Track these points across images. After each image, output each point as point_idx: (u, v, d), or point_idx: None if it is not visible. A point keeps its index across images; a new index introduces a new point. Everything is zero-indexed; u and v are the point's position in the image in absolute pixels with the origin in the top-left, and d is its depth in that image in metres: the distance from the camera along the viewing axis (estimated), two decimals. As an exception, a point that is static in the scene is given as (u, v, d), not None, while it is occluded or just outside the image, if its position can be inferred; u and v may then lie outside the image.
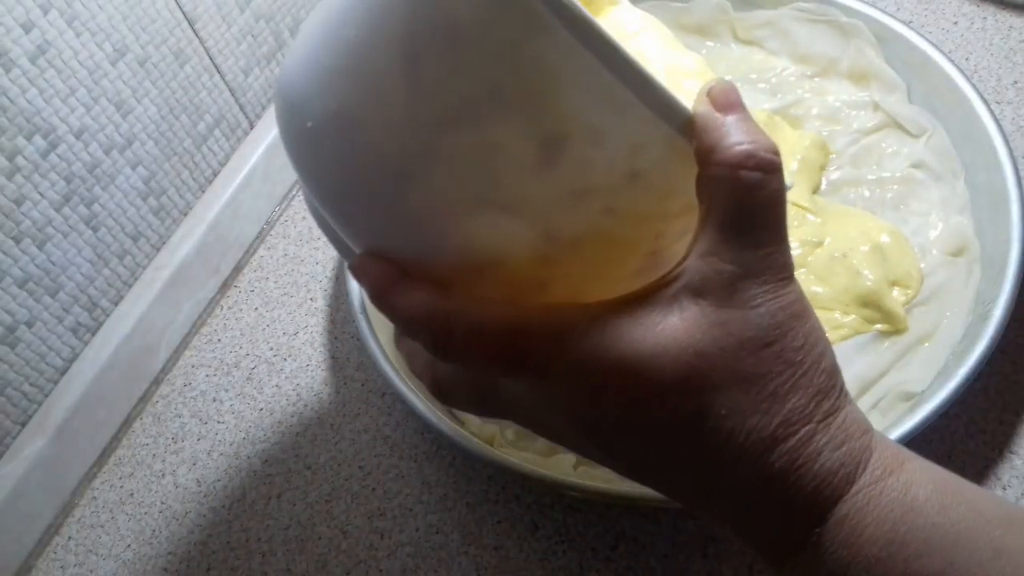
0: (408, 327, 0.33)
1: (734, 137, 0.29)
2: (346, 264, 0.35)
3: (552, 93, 0.28)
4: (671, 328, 0.29)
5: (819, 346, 0.30)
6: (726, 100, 0.30)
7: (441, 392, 0.36)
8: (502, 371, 0.32)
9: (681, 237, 0.32)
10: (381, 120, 0.30)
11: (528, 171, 0.29)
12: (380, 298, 0.33)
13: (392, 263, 0.33)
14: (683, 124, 0.29)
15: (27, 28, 0.53)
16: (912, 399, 0.53)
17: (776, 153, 0.29)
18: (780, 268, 0.30)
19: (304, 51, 0.33)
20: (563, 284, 0.32)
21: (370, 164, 0.31)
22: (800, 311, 0.30)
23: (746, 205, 0.29)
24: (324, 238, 0.72)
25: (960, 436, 0.55)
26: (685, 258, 0.31)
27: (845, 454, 0.30)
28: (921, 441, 0.50)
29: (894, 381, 0.55)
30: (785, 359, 0.29)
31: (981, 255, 0.58)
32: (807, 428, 0.30)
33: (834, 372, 0.31)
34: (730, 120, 0.29)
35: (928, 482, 0.30)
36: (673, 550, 0.54)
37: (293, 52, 0.34)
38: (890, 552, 0.29)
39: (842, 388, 0.31)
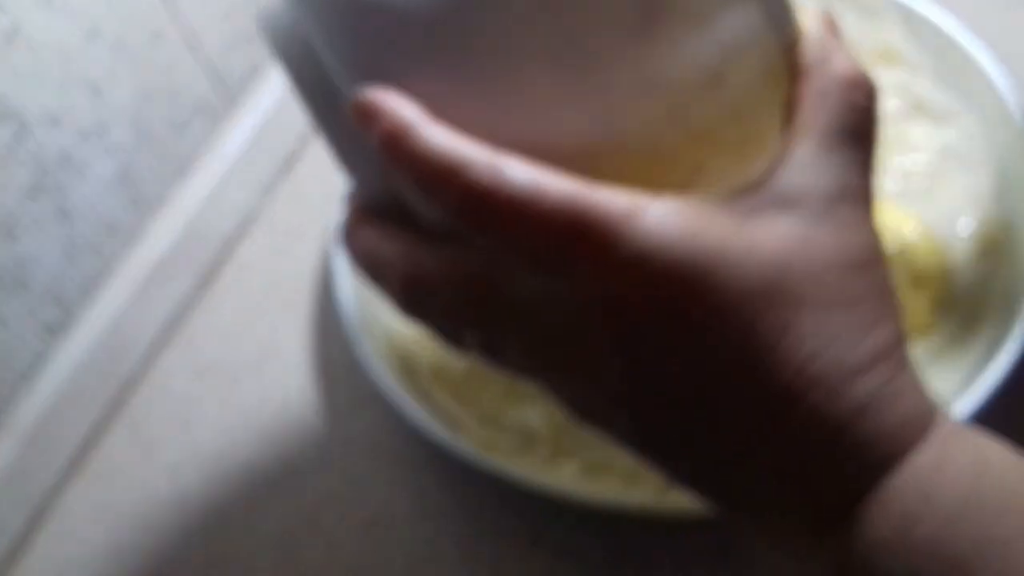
0: (437, 176, 0.27)
1: (846, 58, 0.29)
2: (347, 102, 0.29)
3: None
4: (761, 233, 0.27)
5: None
6: (835, 26, 0.30)
7: (422, 287, 0.30)
8: (548, 252, 0.27)
9: (722, 172, 0.29)
10: None
11: (619, 37, 0.26)
12: (405, 134, 0.27)
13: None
14: (792, 34, 0.28)
15: (-5, 6, 0.51)
16: (942, 400, 0.52)
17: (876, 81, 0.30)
18: (872, 195, 0.29)
19: None
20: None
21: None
22: (883, 244, 0.29)
23: (853, 125, 0.29)
24: (311, 232, 0.70)
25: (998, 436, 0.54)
26: (771, 168, 0.28)
27: (922, 401, 0.28)
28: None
29: (924, 382, 0.54)
30: (878, 287, 0.28)
31: (1011, 250, 0.57)
32: (888, 366, 0.28)
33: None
34: (842, 41, 0.29)
35: (997, 444, 0.29)
36: (684, 568, 0.52)
37: None
38: (970, 509, 0.26)
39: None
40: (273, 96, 0.72)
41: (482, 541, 0.55)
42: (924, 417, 0.28)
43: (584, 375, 0.29)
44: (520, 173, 0.26)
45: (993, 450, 0.28)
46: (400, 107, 0.28)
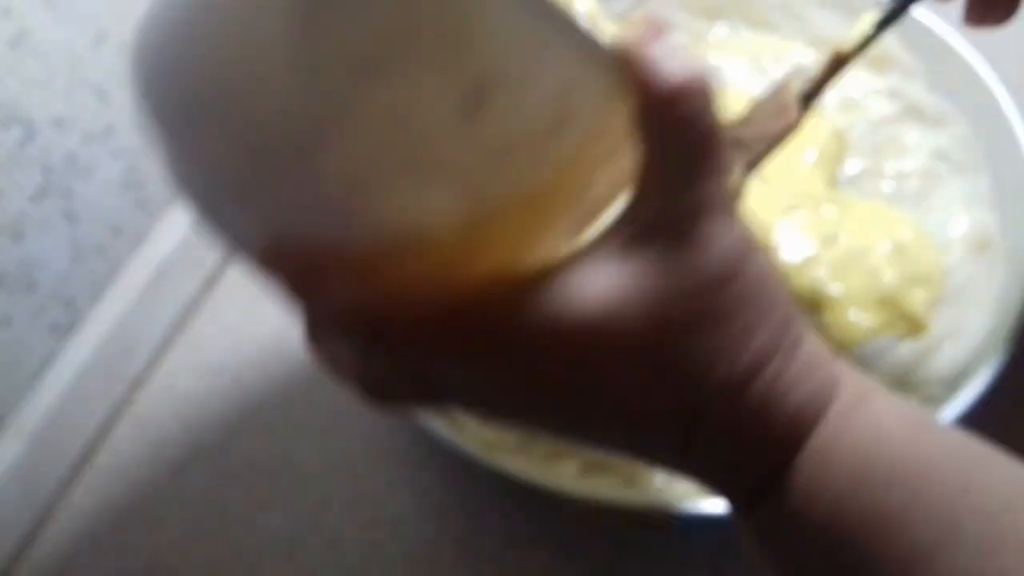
0: (337, 322, 0.30)
1: (665, 68, 0.27)
2: (251, 259, 0.31)
3: (470, 35, 0.25)
4: (628, 280, 0.28)
5: (774, 274, 0.30)
6: (651, 29, 0.28)
7: (378, 391, 0.32)
8: (449, 355, 0.29)
9: (614, 185, 0.30)
10: (278, 83, 0.26)
11: (451, 126, 0.27)
12: (302, 290, 0.29)
13: (307, 252, 0.29)
14: (609, 59, 0.28)
15: (5, 13, 0.51)
16: (934, 401, 0.52)
17: (708, 76, 0.28)
18: (727, 199, 0.29)
19: (171, 13, 0.28)
20: (497, 250, 0.30)
21: (271, 136, 0.27)
22: (751, 240, 0.29)
23: (687, 139, 0.28)
24: None
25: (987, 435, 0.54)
26: (629, 204, 0.29)
27: (816, 385, 0.30)
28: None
29: (917, 382, 0.55)
30: (748, 295, 0.29)
31: (1004, 250, 0.58)
32: (776, 362, 0.29)
33: (791, 300, 0.30)
34: (658, 50, 0.27)
35: (897, 415, 0.30)
36: (683, 564, 0.53)
37: (154, 15, 0.29)
38: (859, 483, 0.28)
39: (800, 317, 0.31)
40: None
41: (483, 539, 0.55)
42: (823, 395, 0.30)
43: (527, 418, 0.31)
44: (409, 301, 0.29)
45: (890, 418, 0.30)
46: (295, 261, 0.29)
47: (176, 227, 0.67)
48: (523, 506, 0.56)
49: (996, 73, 0.61)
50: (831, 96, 0.67)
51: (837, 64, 0.51)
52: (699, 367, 0.28)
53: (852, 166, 0.65)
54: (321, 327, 0.32)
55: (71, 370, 0.61)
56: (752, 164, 0.50)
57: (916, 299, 0.57)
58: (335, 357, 0.32)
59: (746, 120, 0.51)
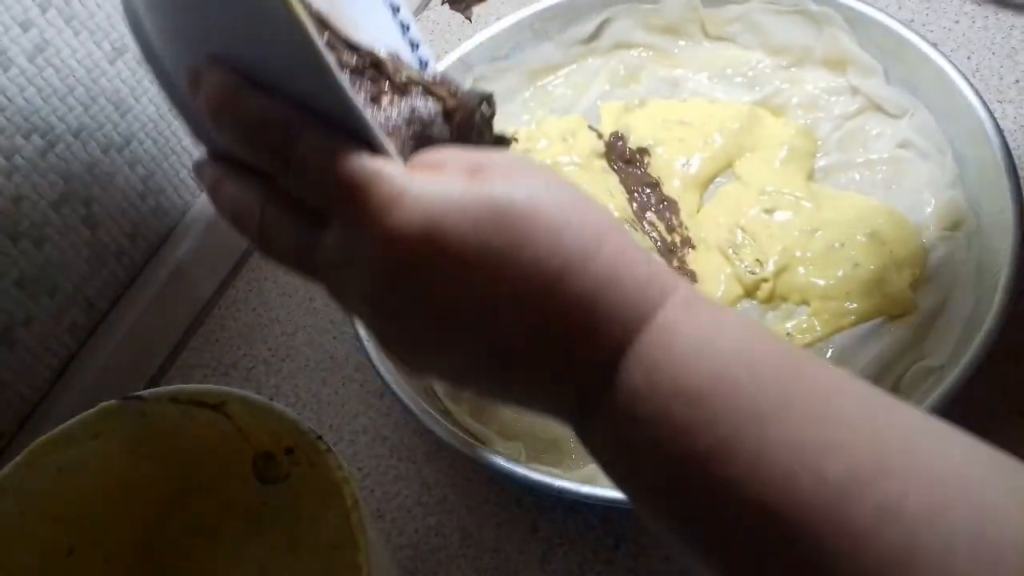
0: (255, 132, 0.31)
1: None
2: (184, 83, 0.33)
3: None
4: (480, 187, 0.30)
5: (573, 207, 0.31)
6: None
7: (264, 237, 0.33)
8: (333, 201, 0.30)
9: None
10: None
11: None
12: (227, 100, 0.31)
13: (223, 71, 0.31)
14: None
15: (25, 27, 0.53)
16: (933, 373, 0.54)
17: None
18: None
19: None
20: None
21: None
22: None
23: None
24: None
25: (987, 403, 0.55)
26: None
27: (659, 269, 0.30)
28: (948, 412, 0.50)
29: (912, 359, 0.56)
30: (576, 205, 0.30)
31: (978, 226, 0.59)
32: (615, 241, 0.30)
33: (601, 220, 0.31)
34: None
35: (726, 308, 0.31)
36: (674, 553, 0.53)
37: None
38: (702, 355, 0.28)
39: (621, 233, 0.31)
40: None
41: (484, 530, 0.56)
42: (662, 281, 0.30)
43: (385, 330, 0.32)
44: (327, 132, 0.30)
45: (726, 312, 0.31)
46: (224, 75, 0.31)
47: (191, 233, 0.68)
48: (523, 498, 0.57)
49: (950, 62, 0.62)
50: (795, 97, 0.69)
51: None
52: (545, 247, 0.29)
53: (822, 160, 0.66)
54: (226, 163, 0.34)
55: (91, 369, 0.62)
56: None
57: (901, 281, 0.58)
58: (239, 199, 0.34)
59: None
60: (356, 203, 0.29)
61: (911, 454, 0.26)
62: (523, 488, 0.57)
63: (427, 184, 0.30)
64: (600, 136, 0.69)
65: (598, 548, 0.54)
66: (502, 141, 0.37)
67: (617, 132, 0.69)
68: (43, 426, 0.59)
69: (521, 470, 0.52)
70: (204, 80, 0.32)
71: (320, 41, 0.28)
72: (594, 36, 0.76)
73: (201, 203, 0.70)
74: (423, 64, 0.44)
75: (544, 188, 0.30)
